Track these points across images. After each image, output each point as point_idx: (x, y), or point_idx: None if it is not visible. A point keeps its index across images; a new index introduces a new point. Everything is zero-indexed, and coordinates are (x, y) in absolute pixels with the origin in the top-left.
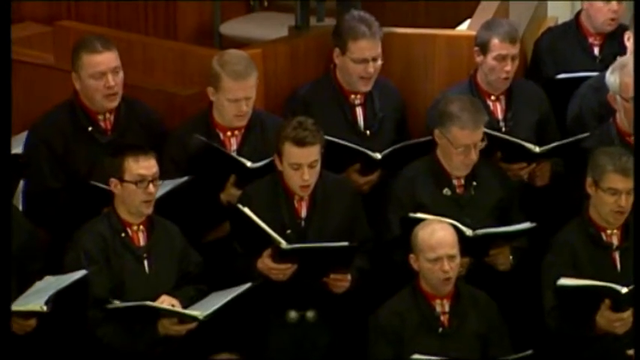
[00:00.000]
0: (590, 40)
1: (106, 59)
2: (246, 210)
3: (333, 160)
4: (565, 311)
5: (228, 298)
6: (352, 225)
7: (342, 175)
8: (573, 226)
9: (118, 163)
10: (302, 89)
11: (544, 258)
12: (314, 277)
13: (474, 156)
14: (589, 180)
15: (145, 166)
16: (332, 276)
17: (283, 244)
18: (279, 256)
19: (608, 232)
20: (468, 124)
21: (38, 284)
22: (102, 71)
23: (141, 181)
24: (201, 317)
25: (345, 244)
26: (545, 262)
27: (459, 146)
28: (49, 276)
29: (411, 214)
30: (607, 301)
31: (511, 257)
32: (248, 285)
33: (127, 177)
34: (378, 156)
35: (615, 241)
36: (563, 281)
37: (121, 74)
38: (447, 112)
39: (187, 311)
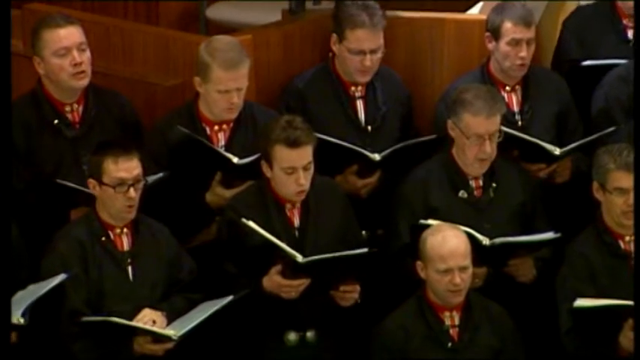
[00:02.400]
0: (625, 21)
1: (70, 34)
2: (251, 224)
3: (328, 161)
4: (584, 333)
5: (206, 314)
6: (346, 229)
7: (327, 177)
8: (587, 235)
9: (97, 162)
10: (298, 79)
11: (558, 271)
12: (324, 290)
13: (489, 149)
14: (595, 185)
15: (125, 168)
16: (342, 288)
17: (299, 258)
18: (294, 271)
19: (626, 239)
20: (482, 111)
21: (20, 294)
22: (66, 47)
23: (120, 184)
24: (175, 337)
25: (365, 250)
26: (559, 276)
27: (472, 135)
28: (31, 285)
29: (422, 222)
30: (630, 321)
31: (534, 268)
32: (229, 298)
33: (105, 179)
34: (377, 157)
35: (633, 248)
36: (580, 302)
37: (87, 53)
38: (459, 100)
39: (160, 330)
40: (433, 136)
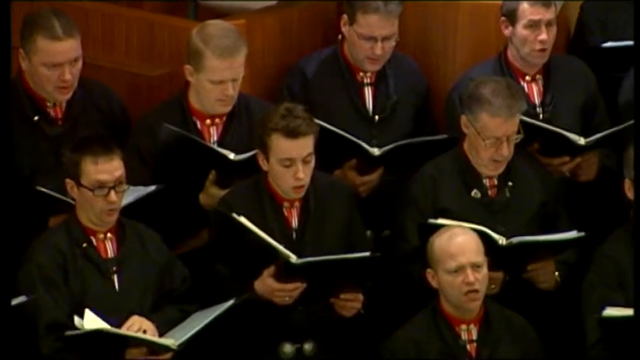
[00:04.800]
0: None
1: (67, 49)
2: (243, 219)
3: (326, 152)
4: (613, 346)
5: (207, 320)
6: (350, 235)
7: (334, 176)
8: (618, 237)
9: (75, 162)
10: (304, 61)
11: (585, 277)
12: (322, 297)
13: (506, 151)
14: (627, 182)
15: (106, 169)
16: (342, 296)
17: (293, 258)
18: (287, 273)
19: None
20: (501, 111)
21: None
22: (59, 62)
23: (100, 187)
24: (174, 346)
25: (367, 254)
26: (585, 283)
27: (488, 137)
28: None
29: (431, 221)
30: None
31: (556, 273)
32: (231, 302)
33: (83, 181)
34: (377, 152)
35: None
36: (609, 312)
37: (79, 63)
38: (476, 96)
39: (158, 339)
40: (444, 136)
